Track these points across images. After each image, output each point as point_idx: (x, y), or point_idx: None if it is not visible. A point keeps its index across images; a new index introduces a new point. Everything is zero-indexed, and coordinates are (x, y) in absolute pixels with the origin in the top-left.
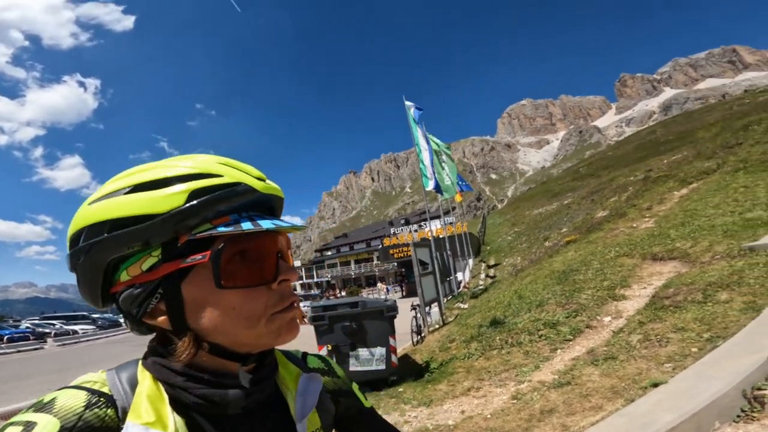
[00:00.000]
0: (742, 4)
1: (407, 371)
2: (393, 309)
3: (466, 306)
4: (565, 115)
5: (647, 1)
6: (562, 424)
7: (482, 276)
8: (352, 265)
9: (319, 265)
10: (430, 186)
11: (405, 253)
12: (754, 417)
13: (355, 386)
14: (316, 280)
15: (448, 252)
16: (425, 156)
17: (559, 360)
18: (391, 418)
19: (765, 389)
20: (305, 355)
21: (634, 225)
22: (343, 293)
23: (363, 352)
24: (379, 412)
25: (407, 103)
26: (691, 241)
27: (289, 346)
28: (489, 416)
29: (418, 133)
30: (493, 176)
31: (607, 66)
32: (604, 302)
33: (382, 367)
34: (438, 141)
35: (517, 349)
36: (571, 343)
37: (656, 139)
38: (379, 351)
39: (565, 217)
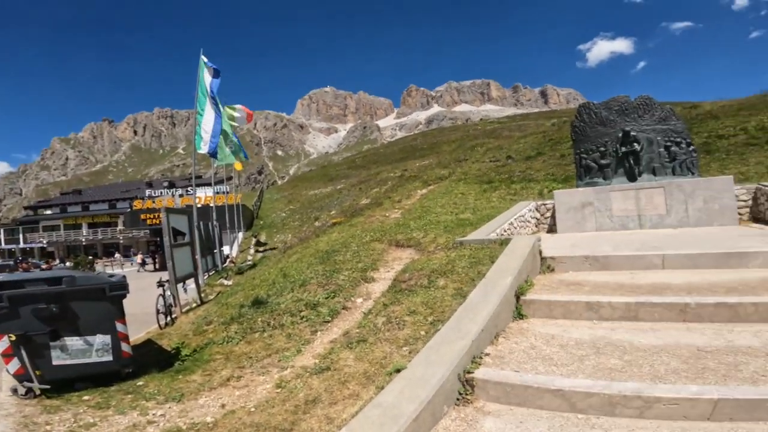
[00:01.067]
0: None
1: (150, 360)
2: (119, 287)
3: (230, 283)
4: (357, 109)
5: (451, 19)
6: (326, 416)
7: (251, 251)
8: (84, 230)
9: (29, 226)
10: (204, 149)
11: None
12: (468, 400)
13: None
14: (23, 245)
15: (215, 223)
16: (209, 116)
17: (319, 343)
18: (127, 419)
19: (473, 372)
20: None
21: (387, 214)
22: (68, 263)
23: (73, 341)
24: (110, 411)
25: (203, 58)
26: (423, 232)
27: None
28: (253, 409)
29: (207, 90)
30: (279, 153)
31: (405, 74)
32: (358, 284)
33: (109, 358)
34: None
35: (279, 332)
36: (329, 324)
37: (416, 146)
38: (101, 339)
39: (335, 200)
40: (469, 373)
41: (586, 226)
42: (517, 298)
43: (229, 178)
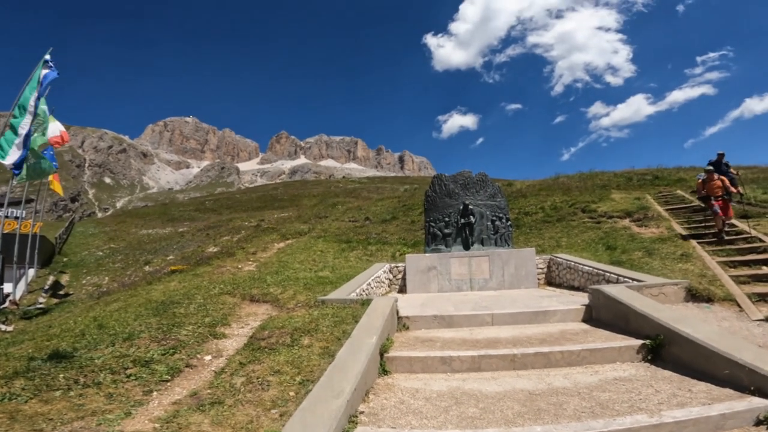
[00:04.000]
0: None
1: None
2: None
3: (10, 329)
4: (218, 147)
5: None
6: None
7: (45, 292)
8: None
9: None
10: (9, 160)
11: None
12: None
13: None
14: None
15: None
16: (25, 122)
17: (156, 404)
18: None
19: (350, 431)
20: None
21: (240, 266)
22: None
23: None
24: None
25: (47, 57)
26: (282, 288)
27: None
28: None
29: (34, 94)
30: (108, 180)
31: (279, 120)
32: (205, 339)
33: None
34: (46, 109)
35: (94, 391)
36: (169, 384)
37: (276, 196)
38: None
39: (175, 244)
40: None
41: (430, 287)
42: (381, 355)
43: (29, 201)
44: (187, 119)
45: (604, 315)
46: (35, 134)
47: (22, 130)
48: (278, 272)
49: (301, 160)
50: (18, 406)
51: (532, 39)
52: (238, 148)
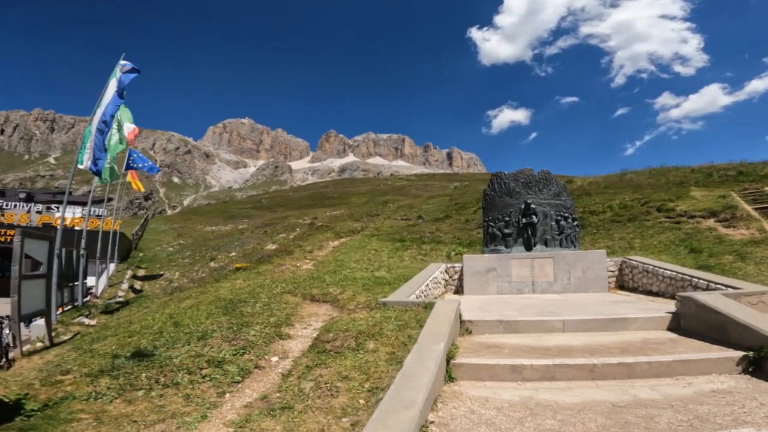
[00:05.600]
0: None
1: None
2: None
3: (93, 323)
4: (272, 147)
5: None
6: None
7: (124, 286)
8: None
9: None
10: (86, 164)
11: (9, 237)
12: None
13: None
14: None
15: (83, 250)
16: (97, 126)
17: (229, 407)
18: None
19: None
20: None
21: (298, 264)
22: None
23: None
24: None
25: (122, 62)
26: (341, 288)
27: None
28: None
29: (108, 98)
30: (176, 180)
31: (327, 119)
32: (272, 340)
33: None
34: (129, 115)
35: (173, 392)
36: (240, 385)
37: (326, 194)
38: None
39: (236, 241)
40: None
41: (488, 289)
42: (447, 361)
43: (110, 200)
44: (243, 120)
45: (695, 324)
46: (113, 140)
47: (93, 132)
48: (336, 272)
49: (350, 158)
50: (103, 407)
51: (585, 29)
52: (290, 147)
